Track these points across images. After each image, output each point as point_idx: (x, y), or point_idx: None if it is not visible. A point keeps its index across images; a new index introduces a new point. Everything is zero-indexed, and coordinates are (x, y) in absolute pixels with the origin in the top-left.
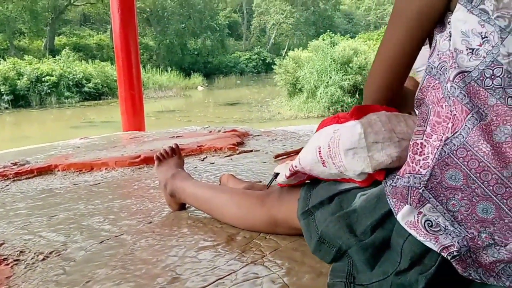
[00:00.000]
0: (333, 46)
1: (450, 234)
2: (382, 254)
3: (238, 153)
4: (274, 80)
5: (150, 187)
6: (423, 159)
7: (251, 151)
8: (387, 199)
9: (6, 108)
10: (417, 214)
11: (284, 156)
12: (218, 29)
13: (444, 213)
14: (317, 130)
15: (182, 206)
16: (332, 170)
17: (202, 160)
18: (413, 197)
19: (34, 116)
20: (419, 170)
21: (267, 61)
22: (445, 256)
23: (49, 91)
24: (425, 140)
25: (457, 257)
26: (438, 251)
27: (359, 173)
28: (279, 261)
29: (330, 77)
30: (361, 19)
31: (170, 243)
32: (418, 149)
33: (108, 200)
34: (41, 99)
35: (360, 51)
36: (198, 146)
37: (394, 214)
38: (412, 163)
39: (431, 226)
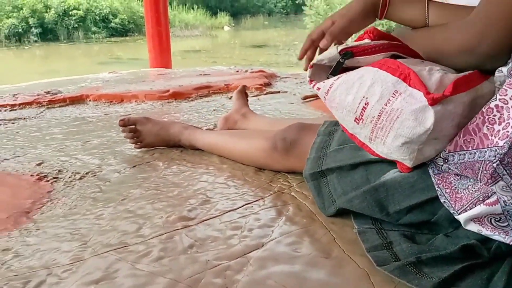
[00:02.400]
0: None
1: None
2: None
3: (265, 94)
4: (304, 23)
5: (180, 120)
6: (502, 128)
7: (278, 92)
8: (436, 187)
9: (35, 41)
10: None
11: (313, 98)
12: None
13: None
14: (374, 65)
15: None
16: (362, 133)
17: (229, 99)
18: (484, 172)
19: (62, 50)
20: (496, 141)
21: (297, 2)
22: None
23: (76, 25)
24: (503, 102)
25: None
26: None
27: (392, 158)
28: (305, 192)
29: None
30: None
31: (200, 170)
32: (494, 115)
33: None
34: (68, 33)
35: None
36: (225, 85)
37: (450, 208)
38: (487, 132)
39: (498, 220)
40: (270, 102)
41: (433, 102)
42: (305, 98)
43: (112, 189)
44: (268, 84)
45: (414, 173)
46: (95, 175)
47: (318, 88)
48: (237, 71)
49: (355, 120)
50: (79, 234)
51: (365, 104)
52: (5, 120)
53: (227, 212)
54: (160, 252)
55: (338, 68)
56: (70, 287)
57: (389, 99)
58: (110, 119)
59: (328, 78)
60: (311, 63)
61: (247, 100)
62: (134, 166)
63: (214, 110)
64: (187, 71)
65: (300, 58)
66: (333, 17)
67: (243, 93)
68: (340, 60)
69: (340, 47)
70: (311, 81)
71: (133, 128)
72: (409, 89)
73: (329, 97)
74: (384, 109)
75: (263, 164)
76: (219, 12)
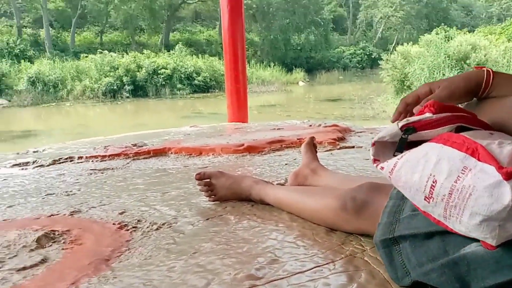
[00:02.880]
0: (448, 40)
1: None
2: None
3: (339, 148)
4: (380, 76)
5: (252, 173)
6: None
7: (353, 147)
8: None
9: (127, 97)
10: None
11: None
12: (322, 23)
13: None
14: (438, 141)
15: None
16: (436, 212)
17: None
18: None
19: (150, 105)
20: None
21: (372, 56)
22: None
23: (163, 82)
24: None
25: None
26: None
27: (473, 237)
28: (380, 258)
29: (444, 74)
30: (481, 11)
31: (270, 227)
32: None
33: None
34: (156, 90)
35: (480, 46)
36: (298, 139)
37: None
38: None
39: None
40: (344, 158)
41: (508, 176)
42: None
43: (185, 241)
44: (342, 139)
45: (499, 247)
46: (170, 226)
47: (382, 168)
48: (310, 125)
49: (425, 199)
50: (151, 285)
51: (433, 182)
52: (95, 170)
53: (295, 274)
54: None
55: (403, 145)
56: None
57: (458, 176)
58: (189, 171)
59: (394, 155)
60: (373, 140)
61: (316, 152)
62: (207, 219)
63: (286, 164)
64: (262, 125)
65: (394, 121)
66: (432, 85)
67: (312, 145)
68: (403, 136)
69: (401, 123)
70: (375, 160)
71: (208, 182)
72: (479, 164)
73: (394, 176)
74: (455, 187)
75: (332, 224)
76: (294, 68)
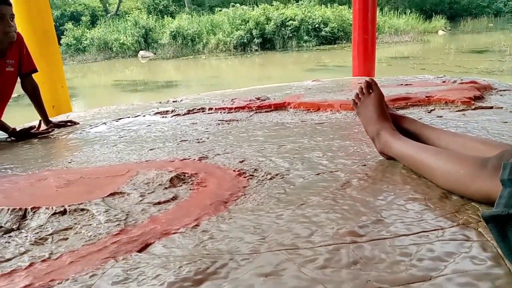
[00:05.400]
0: None
1: None
2: None
3: (474, 109)
4: None
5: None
6: None
7: (491, 107)
8: None
9: (256, 50)
10: None
11: None
12: None
13: None
14: None
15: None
16: None
17: (429, 112)
18: None
19: (276, 58)
20: None
21: None
22: None
23: (290, 35)
24: None
25: None
26: None
27: None
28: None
29: None
30: None
31: (380, 187)
32: None
33: (328, 139)
34: (283, 42)
35: None
36: (426, 97)
37: None
38: None
39: None
40: (477, 119)
41: None
42: None
43: (294, 193)
44: (479, 98)
45: None
46: (283, 178)
47: None
48: (444, 82)
49: None
50: (260, 229)
51: None
52: (223, 120)
53: (399, 236)
54: (325, 261)
55: None
56: (245, 275)
57: None
58: (305, 126)
59: None
60: None
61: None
62: (317, 174)
63: None
64: (389, 80)
65: None
66: None
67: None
68: None
69: None
70: None
71: (365, 91)
72: None
73: None
74: None
75: (460, 181)
76: (434, 15)
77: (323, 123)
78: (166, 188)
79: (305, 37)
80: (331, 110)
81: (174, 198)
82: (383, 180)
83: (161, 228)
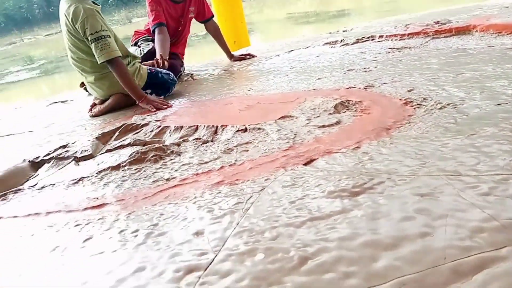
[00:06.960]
0: None
1: None
2: None
3: None
4: None
5: None
6: None
7: None
8: None
9: None
10: None
11: None
12: None
13: None
14: None
15: None
16: None
17: None
18: None
19: None
20: None
21: None
22: None
23: None
24: None
25: None
26: None
27: None
28: None
29: None
30: None
31: None
32: None
33: None
34: None
35: None
36: None
37: None
38: None
39: None
40: None
41: None
42: None
43: (466, 123)
44: None
45: None
46: (455, 107)
47: None
48: None
49: None
50: (421, 155)
51: None
52: (393, 48)
53: None
54: (488, 189)
55: None
56: (402, 192)
57: None
58: (492, 52)
59: None
60: None
61: None
62: (498, 104)
63: None
64: None
65: None
66: None
67: None
68: None
69: None
70: None
71: None
72: None
73: None
74: None
75: None
76: None
77: None
78: (330, 113)
79: None
80: None
81: (338, 123)
82: None
83: (324, 147)
